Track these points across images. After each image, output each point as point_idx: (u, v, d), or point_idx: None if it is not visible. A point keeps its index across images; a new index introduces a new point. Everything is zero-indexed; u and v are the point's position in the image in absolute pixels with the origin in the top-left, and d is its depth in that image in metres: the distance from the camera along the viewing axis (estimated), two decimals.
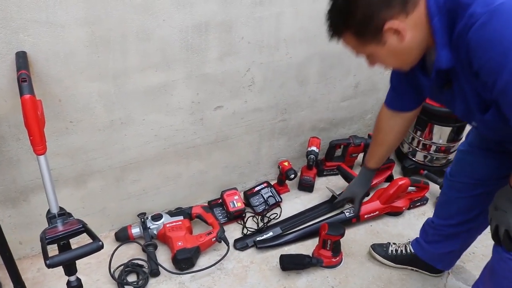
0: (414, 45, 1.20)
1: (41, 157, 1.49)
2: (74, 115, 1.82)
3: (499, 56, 1.03)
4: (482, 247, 2.18)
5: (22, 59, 1.54)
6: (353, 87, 2.58)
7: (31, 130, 1.44)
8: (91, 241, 1.43)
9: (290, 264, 2.10)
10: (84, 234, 1.48)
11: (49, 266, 1.33)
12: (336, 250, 2.08)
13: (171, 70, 1.90)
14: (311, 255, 2.13)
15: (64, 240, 1.49)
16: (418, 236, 2.08)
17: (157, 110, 1.99)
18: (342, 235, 2.03)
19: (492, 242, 1.43)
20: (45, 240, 1.42)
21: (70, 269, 1.56)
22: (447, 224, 1.84)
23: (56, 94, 1.73)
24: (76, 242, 1.51)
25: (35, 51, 1.59)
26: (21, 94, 1.42)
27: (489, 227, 1.43)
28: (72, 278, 1.58)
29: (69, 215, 1.57)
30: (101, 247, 1.40)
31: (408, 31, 1.15)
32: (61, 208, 1.58)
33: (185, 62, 1.91)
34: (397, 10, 1.13)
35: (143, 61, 1.82)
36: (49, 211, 1.56)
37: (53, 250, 1.45)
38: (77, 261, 1.98)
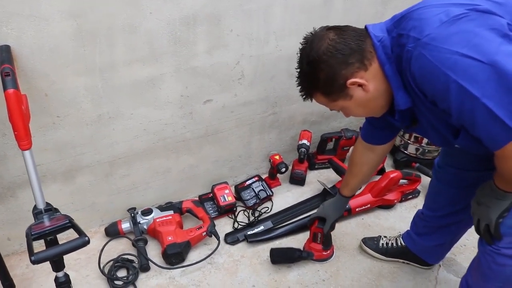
0: (379, 94, 1.30)
1: (26, 152, 1.47)
2: (61, 109, 1.80)
3: (441, 81, 1.11)
4: (473, 240, 2.17)
5: (5, 53, 1.52)
6: None
7: (15, 125, 1.42)
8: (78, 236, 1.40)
9: (280, 257, 2.09)
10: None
11: (34, 262, 1.31)
12: (327, 243, 2.07)
13: (159, 63, 1.88)
14: (302, 248, 2.12)
15: (51, 235, 1.48)
16: (408, 230, 2.08)
17: (146, 104, 1.97)
18: (333, 228, 2.02)
19: None
20: (31, 236, 1.40)
21: (58, 265, 1.54)
22: (436, 215, 1.85)
23: (42, 89, 1.71)
24: (66, 238, 1.48)
25: (19, 45, 1.57)
26: (5, 88, 1.40)
27: None
28: (60, 274, 1.57)
29: (56, 210, 1.56)
30: (87, 242, 1.38)
31: (370, 82, 1.27)
32: (47, 204, 1.56)
33: (173, 55, 1.89)
34: (356, 67, 1.24)
35: (130, 55, 1.80)
36: (35, 207, 1.54)
37: (42, 246, 1.44)
38: (66, 257, 1.97)
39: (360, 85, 1.27)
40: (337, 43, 1.24)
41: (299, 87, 1.38)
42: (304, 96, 1.39)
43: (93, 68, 1.76)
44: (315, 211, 2.34)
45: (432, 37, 1.11)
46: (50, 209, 1.54)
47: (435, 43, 1.10)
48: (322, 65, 1.25)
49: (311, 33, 1.32)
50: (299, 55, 1.34)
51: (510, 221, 1.33)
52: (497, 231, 1.35)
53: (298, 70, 1.36)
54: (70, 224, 1.47)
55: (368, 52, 1.25)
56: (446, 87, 1.10)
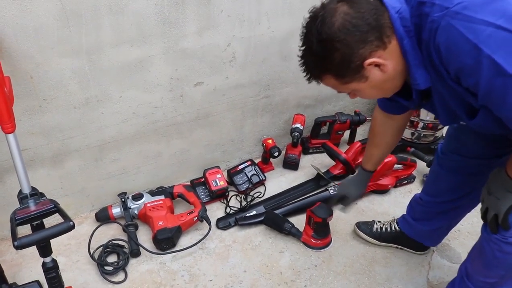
0: (396, 73, 1.20)
1: (10, 136, 1.44)
2: (47, 92, 1.76)
3: (471, 56, 1.02)
4: (467, 225, 2.16)
5: None
6: None
7: None
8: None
9: (271, 221, 2.13)
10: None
11: (17, 247, 1.29)
12: (319, 232, 2.05)
13: (147, 45, 1.84)
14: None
15: (36, 220, 1.45)
16: (403, 214, 2.06)
17: (135, 86, 1.93)
18: (323, 219, 1.99)
19: (479, 220, 1.42)
20: (15, 220, 1.39)
21: (45, 250, 1.51)
22: (436, 201, 1.81)
23: (27, 71, 1.67)
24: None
25: (1, 26, 1.53)
26: None
27: (478, 205, 1.42)
28: (47, 259, 1.54)
29: (42, 195, 1.53)
30: (72, 227, 1.35)
31: (388, 61, 1.16)
32: (33, 188, 1.53)
33: (162, 36, 1.85)
34: (374, 46, 1.13)
35: (117, 36, 1.76)
36: (20, 191, 1.52)
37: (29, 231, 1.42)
38: (56, 243, 1.96)
39: (377, 65, 1.16)
40: (353, 18, 1.11)
41: (304, 68, 1.26)
42: (310, 78, 1.27)
43: (79, 50, 1.72)
44: (307, 196, 2.35)
45: (464, 5, 1.00)
46: (36, 194, 1.52)
47: (467, 12, 1.00)
48: (337, 44, 1.12)
49: (319, 6, 1.17)
50: (304, 31, 1.20)
51: None
52: (505, 223, 1.31)
53: (304, 49, 1.22)
54: (56, 208, 1.44)
55: (387, 27, 1.13)
56: (477, 62, 1.01)
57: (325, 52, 1.15)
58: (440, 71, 1.13)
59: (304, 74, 1.27)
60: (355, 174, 1.91)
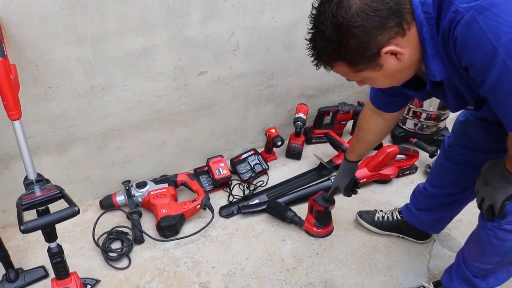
0: (412, 63, 1.15)
1: (16, 122, 1.45)
2: (53, 80, 1.78)
3: (487, 55, 0.99)
4: (469, 215, 2.17)
5: None
6: None
7: (4, 95, 1.40)
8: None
9: (273, 209, 2.15)
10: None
11: (23, 231, 1.31)
12: (321, 221, 2.07)
13: (151, 34, 1.85)
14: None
15: (42, 206, 1.48)
16: (407, 203, 2.07)
17: (139, 75, 1.94)
18: (325, 208, 2.01)
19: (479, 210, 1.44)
20: (21, 206, 1.41)
21: (50, 235, 1.54)
22: (441, 193, 1.82)
23: (33, 59, 1.69)
24: None
25: (7, 14, 1.54)
26: None
27: None
28: (53, 244, 1.57)
29: (47, 181, 1.56)
30: (77, 212, 1.37)
31: (405, 50, 1.10)
32: (39, 175, 1.55)
33: (166, 25, 1.86)
34: (393, 33, 1.06)
35: (122, 25, 1.77)
36: (26, 178, 1.54)
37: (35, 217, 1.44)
38: (61, 229, 2.01)
39: (394, 53, 1.09)
40: (373, 2, 1.02)
41: (313, 53, 1.18)
42: (319, 64, 1.19)
43: (84, 38, 1.73)
44: (309, 185, 2.37)
45: (494, 2, 0.95)
46: (41, 180, 1.54)
47: (495, 10, 0.95)
48: (354, 30, 1.04)
49: None
50: (316, 13, 1.12)
51: None
52: (501, 212, 1.33)
53: (315, 32, 1.14)
54: (61, 194, 1.46)
55: (407, 13, 1.05)
56: (491, 63, 0.99)
57: (340, 38, 1.07)
58: (453, 59, 1.09)
59: (312, 59, 1.19)
60: (340, 167, 1.91)
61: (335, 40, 1.08)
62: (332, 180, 2.32)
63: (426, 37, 1.08)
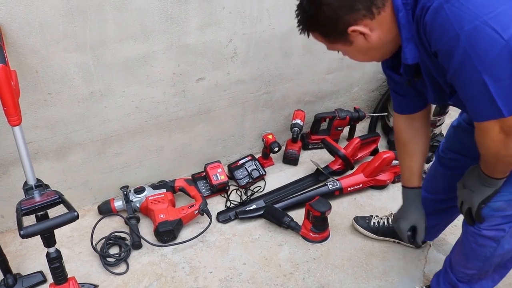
0: (382, 44, 1.21)
1: (16, 128, 1.47)
2: (52, 86, 1.79)
3: (450, 42, 1.05)
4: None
5: None
6: (339, 60, 2.55)
7: (4, 101, 1.41)
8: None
9: (270, 215, 2.16)
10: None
11: (23, 236, 1.33)
12: (318, 226, 2.08)
13: (150, 40, 1.87)
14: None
15: (41, 211, 1.50)
16: None
17: (138, 81, 1.96)
18: (322, 213, 2.02)
19: None
20: (21, 211, 1.42)
21: (49, 240, 1.54)
22: (434, 198, 1.82)
23: (33, 65, 1.70)
24: None
25: (8, 21, 1.55)
26: None
27: None
28: (51, 249, 1.57)
29: (46, 186, 1.57)
30: (76, 217, 1.39)
31: (374, 32, 1.17)
32: (38, 180, 1.57)
33: (164, 32, 1.88)
34: (361, 14, 1.13)
35: (121, 32, 1.79)
36: (25, 183, 1.55)
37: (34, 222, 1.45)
38: (59, 234, 2.03)
39: (361, 33, 1.16)
40: None
41: (297, 20, 1.25)
42: (300, 30, 1.27)
43: (84, 45, 1.75)
44: (306, 190, 2.38)
45: None
46: (41, 185, 1.55)
47: (459, 1, 1.01)
48: (324, 6, 1.13)
49: None
50: None
51: (494, 204, 1.34)
52: (478, 216, 1.36)
53: (299, 1, 1.22)
54: (60, 199, 1.48)
55: None
56: (452, 49, 1.05)
57: (312, 11, 1.17)
58: (425, 44, 1.14)
59: (297, 25, 1.27)
60: (406, 201, 1.68)
61: (308, 12, 1.18)
62: (330, 186, 2.33)
63: (402, 22, 1.15)
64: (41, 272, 1.89)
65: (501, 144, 1.13)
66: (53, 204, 1.48)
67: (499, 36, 0.99)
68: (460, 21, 1.01)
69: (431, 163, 2.44)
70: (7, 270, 1.82)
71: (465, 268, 1.58)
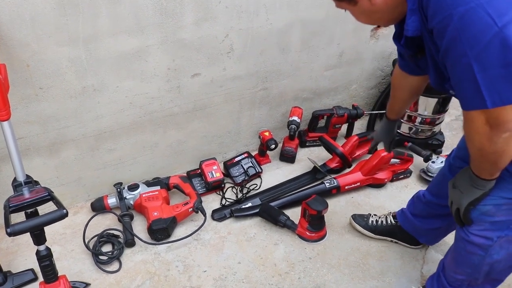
0: (387, 8, 1.18)
1: (5, 123, 1.44)
2: (44, 81, 1.76)
3: (444, 21, 1.03)
4: None
5: None
6: (337, 56, 2.52)
7: None
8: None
9: (266, 213, 2.14)
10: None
11: (10, 234, 1.30)
12: (314, 225, 2.05)
13: (144, 35, 1.84)
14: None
15: (30, 208, 1.46)
16: (402, 207, 2.05)
17: (132, 77, 1.93)
18: (318, 211, 1.99)
19: None
20: (9, 208, 1.39)
21: (39, 238, 1.50)
22: (439, 203, 1.79)
23: (24, 59, 1.67)
24: None
25: None
26: None
27: None
28: (41, 247, 1.54)
29: (36, 183, 1.54)
30: (65, 215, 1.36)
31: None
32: (27, 176, 1.53)
33: (159, 26, 1.84)
34: None
35: (114, 25, 1.75)
36: (15, 179, 1.52)
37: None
38: (51, 232, 2.01)
39: None
40: None
41: None
42: None
43: (76, 39, 1.72)
44: (303, 188, 2.36)
45: None
46: (30, 182, 1.52)
47: None
48: None
49: None
50: None
51: (483, 208, 1.33)
52: (466, 217, 1.35)
53: None
54: (50, 196, 1.45)
55: None
56: (444, 29, 1.03)
57: None
58: (425, 22, 1.13)
59: None
60: (382, 123, 1.94)
61: None
62: (327, 184, 2.31)
63: None
64: (32, 270, 1.86)
65: (485, 138, 1.10)
66: (42, 201, 1.45)
67: (493, 22, 0.96)
68: (456, 1, 0.99)
69: (429, 162, 2.44)
70: None
71: (455, 273, 1.57)
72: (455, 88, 1.12)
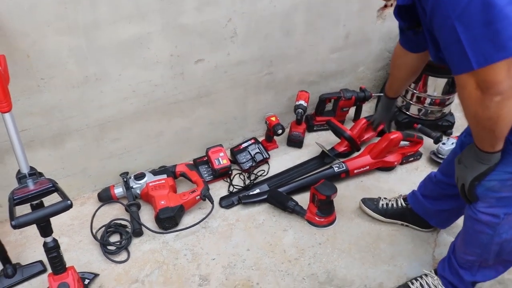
0: None
1: (7, 115, 1.42)
2: (45, 71, 1.74)
3: None
4: None
5: None
6: (343, 38, 2.47)
7: None
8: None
9: (274, 199, 2.12)
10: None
11: (14, 226, 1.29)
12: (323, 210, 2.03)
13: (145, 21, 1.80)
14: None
15: (35, 200, 1.45)
16: (413, 189, 2.02)
17: (134, 64, 1.90)
18: (327, 196, 1.97)
19: None
20: (13, 200, 1.38)
21: (45, 230, 1.50)
22: (448, 182, 1.76)
23: (24, 49, 1.64)
24: None
25: None
26: None
27: None
28: (48, 239, 1.54)
29: (40, 174, 1.52)
30: (70, 206, 1.35)
31: None
32: (31, 168, 1.52)
33: (160, 12, 1.81)
34: None
35: (114, 12, 1.72)
36: (19, 171, 1.51)
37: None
38: (59, 223, 2.01)
39: None
40: None
41: None
42: None
43: (76, 27, 1.69)
44: (311, 173, 2.33)
45: None
46: (34, 174, 1.51)
47: None
48: None
49: None
50: None
51: (488, 183, 1.32)
52: (471, 193, 1.35)
53: None
54: (54, 188, 1.44)
55: None
56: None
57: None
58: None
59: None
60: (380, 104, 2.05)
61: None
62: (336, 168, 2.28)
63: None
64: (41, 262, 1.86)
65: (478, 103, 1.09)
66: (47, 192, 1.43)
67: None
68: None
69: (440, 144, 2.40)
70: (6, 260, 1.79)
71: (464, 253, 1.56)
72: (444, 54, 1.12)
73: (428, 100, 2.55)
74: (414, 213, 2.00)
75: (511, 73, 1.02)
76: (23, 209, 1.43)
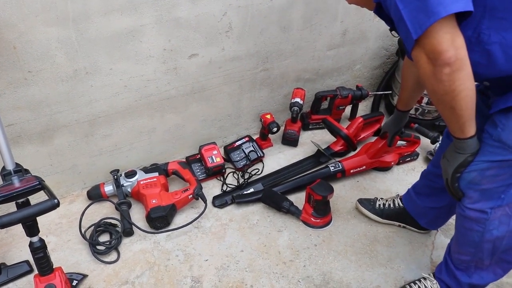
0: None
1: None
2: (33, 64, 1.67)
3: None
4: None
5: None
6: (341, 35, 2.42)
7: None
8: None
9: (269, 199, 2.09)
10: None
11: None
12: (319, 210, 1.99)
13: (138, 13, 1.74)
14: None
15: (21, 198, 1.39)
16: (409, 188, 1.99)
17: (126, 58, 1.84)
18: (324, 197, 1.93)
19: None
20: None
21: (31, 229, 1.45)
22: (435, 172, 1.76)
23: (10, 40, 1.58)
24: None
25: None
26: None
27: None
28: (35, 239, 1.48)
29: (26, 171, 1.46)
30: (57, 205, 1.29)
31: None
32: (17, 165, 1.46)
33: (153, 4, 1.75)
34: None
35: (106, 3, 1.66)
36: (3, 168, 1.44)
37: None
38: (47, 221, 1.96)
39: None
40: None
41: None
42: None
43: (65, 18, 1.62)
44: (306, 173, 2.29)
45: None
46: (20, 171, 1.45)
47: None
48: None
49: None
50: None
51: (468, 175, 1.32)
52: (454, 186, 1.36)
53: None
54: (41, 185, 1.38)
55: None
56: None
57: None
58: None
59: None
60: (393, 114, 2.00)
61: None
62: (332, 168, 2.24)
63: None
64: (27, 262, 1.81)
65: (431, 76, 1.10)
66: (33, 190, 1.37)
67: None
68: None
69: (437, 144, 2.37)
70: None
71: (459, 253, 1.55)
72: (399, 35, 1.17)
73: (425, 100, 2.52)
74: (408, 213, 1.98)
75: (456, 44, 1.04)
76: (8, 208, 1.37)
